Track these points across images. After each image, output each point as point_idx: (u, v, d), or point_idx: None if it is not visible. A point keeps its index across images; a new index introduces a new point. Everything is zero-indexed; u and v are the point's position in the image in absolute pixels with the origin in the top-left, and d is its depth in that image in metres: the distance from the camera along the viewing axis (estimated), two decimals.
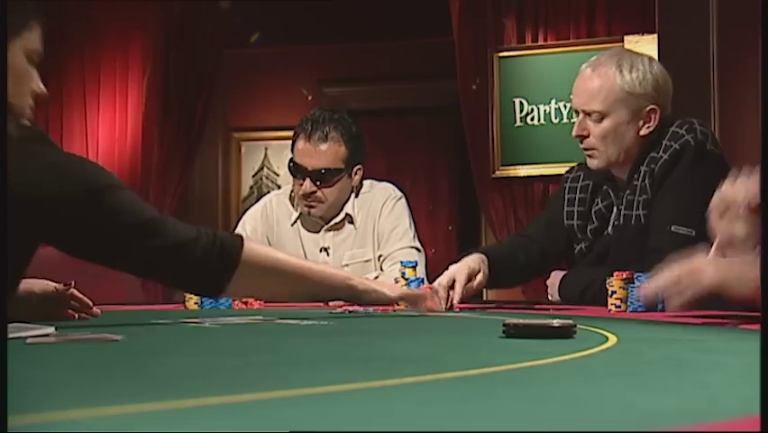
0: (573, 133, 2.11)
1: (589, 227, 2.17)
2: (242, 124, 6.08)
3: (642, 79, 2.04)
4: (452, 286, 2.01)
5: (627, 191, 2.08)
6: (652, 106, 2.05)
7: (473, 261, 2.07)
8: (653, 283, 1.43)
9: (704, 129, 2.05)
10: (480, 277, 2.06)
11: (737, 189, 1.42)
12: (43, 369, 0.90)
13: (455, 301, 1.98)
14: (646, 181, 2.04)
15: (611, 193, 2.15)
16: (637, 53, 2.13)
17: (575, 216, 2.22)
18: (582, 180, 2.23)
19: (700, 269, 1.38)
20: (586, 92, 2.07)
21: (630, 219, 2.05)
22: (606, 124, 2.05)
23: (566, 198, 2.25)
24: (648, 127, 2.06)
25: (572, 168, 2.31)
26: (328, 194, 2.51)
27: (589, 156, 2.11)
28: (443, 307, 1.97)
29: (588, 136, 2.08)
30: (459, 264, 2.06)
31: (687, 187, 1.99)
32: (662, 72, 2.08)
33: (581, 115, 2.09)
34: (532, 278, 2.43)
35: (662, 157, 2.02)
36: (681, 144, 2.01)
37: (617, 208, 2.11)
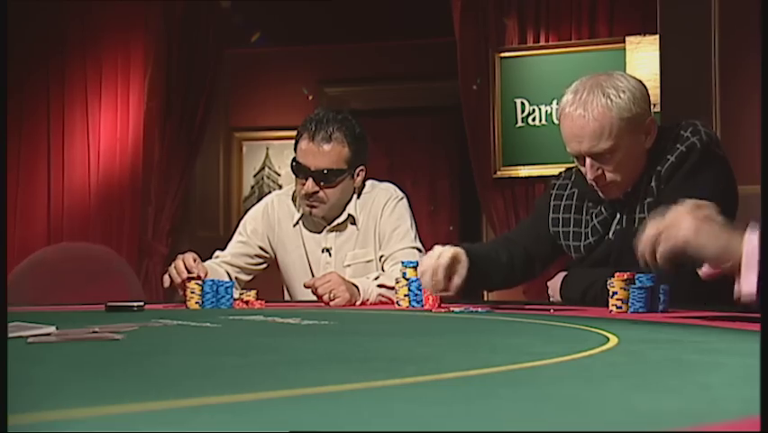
0: (589, 178, 2.02)
1: (591, 238, 2.15)
2: (243, 123, 6.08)
3: (633, 99, 1.97)
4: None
5: (631, 196, 2.06)
6: (649, 118, 2.03)
7: (454, 250, 1.99)
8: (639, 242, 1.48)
9: (708, 130, 2.05)
10: (461, 269, 1.98)
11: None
12: (43, 368, 0.90)
13: (437, 290, 1.96)
14: (652, 184, 2.03)
15: (611, 203, 2.12)
16: (609, 74, 2.04)
17: (560, 223, 2.20)
18: (569, 189, 2.22)
19: (678, 222, 1.42)
20: (587, 136, 1.97)
21: (633, 223, 2.04)
22: (618, 156, 1.99)
23: (552, 204, 2.23)
24: (650, 139, 2.04)
25: (560, 174, 2.30)
26: (330, 194, 2.51)
27: (607, 191, 2.05)
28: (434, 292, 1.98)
29: (603, 174, 2.02)
30: (440, 250, 1.98)
31: (691, 188, 1.98)
32: (638, 82, 2.04)
33: (589, 160, 2.01)
34: (519, 282, 2.36)
35: (668, 159, 2.01)
36: (687, 146, 2.00)
37: (619, 214, 2.10)
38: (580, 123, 1.99)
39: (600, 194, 2.08)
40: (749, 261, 1.37)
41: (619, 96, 1.97)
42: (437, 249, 2.00)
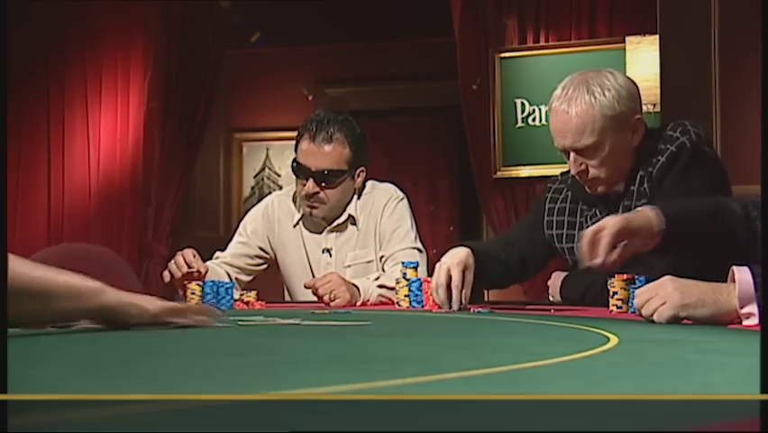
0: (572, 172, 2.04)
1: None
2: (243, 124, 6.08)
3: (618, 97, 1.98)
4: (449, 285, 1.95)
5: (624, 198, 2.06)
6: (636, 117, 2.03)
7: (465, 256, 1.99)
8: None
9: (697, 130, 2.04)
10: (469, 275, 1.98)
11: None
12: (43, 368, 0.90)
13: (455, 307, 1.92)
14: (645, 186, 2.03)
15: (606, 205, 2.11)
16: (598, 71, 2.04)
17: (555, 226, 2.20)
18: (565, 192, 2.21)
19: (663, 293, 1.45)
20: (570, 131, 1.98)
21: None
22: (601, 153, 1.99)
23: (547, 207, 2.22)
24: (638, 137, 2.04)
25: (557, 177, 2.29)
26: (330, 195, 2.51)
27: (590, 186, 2.06)
28: (446, 308, 1.94)
29: (586, 169, 2.03)
30: (452, 260, 1.98)
31: (684, 188, 1.98)
32: (627, 80, 2.04)
33: (572, 154, 2.02)
34: (512, 283, 2.35)
35: (658, 160, 2.01)
36: (677, 146, 2.00)
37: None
38: (564, 118, 2.00)
39: (586, 188, 2.09)
40: (746, 296, 1.38)
41: (603, 94, 1.98)
42: (446, 261, 1.98)
